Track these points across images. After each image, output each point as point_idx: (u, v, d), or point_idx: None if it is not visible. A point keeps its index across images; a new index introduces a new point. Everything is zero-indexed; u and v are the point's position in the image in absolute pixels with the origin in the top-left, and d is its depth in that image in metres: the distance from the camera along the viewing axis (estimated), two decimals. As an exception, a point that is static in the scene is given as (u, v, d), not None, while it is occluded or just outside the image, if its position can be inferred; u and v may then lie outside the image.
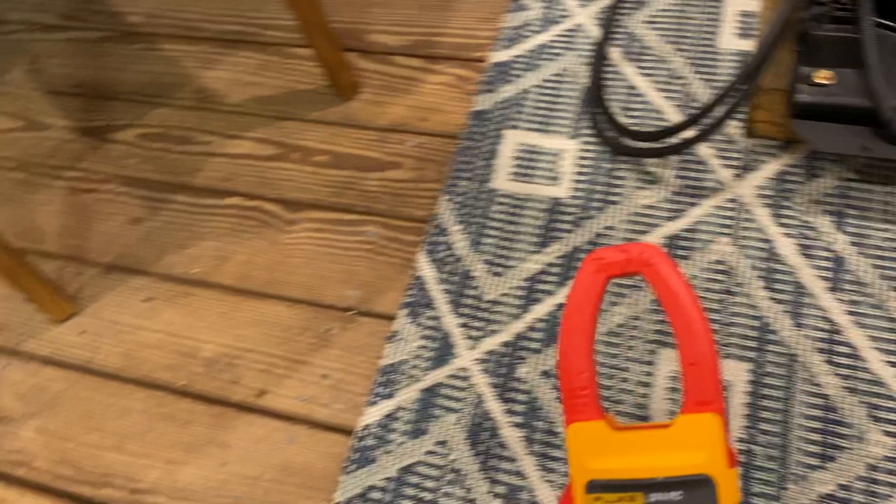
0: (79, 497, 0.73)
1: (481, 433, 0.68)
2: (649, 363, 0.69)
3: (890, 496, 0.59)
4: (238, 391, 0.76)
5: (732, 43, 0.87)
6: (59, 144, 1.00)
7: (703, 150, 0.80)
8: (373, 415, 0.71)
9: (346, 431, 0.71)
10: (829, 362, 0.66)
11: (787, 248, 0.72)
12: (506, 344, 0.73)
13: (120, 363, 0.80)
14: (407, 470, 0.68)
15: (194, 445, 0.73)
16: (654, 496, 0.27)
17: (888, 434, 0.62)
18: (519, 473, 0.66)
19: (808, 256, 0.71)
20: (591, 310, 0.31)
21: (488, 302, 0.76)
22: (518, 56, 0.93)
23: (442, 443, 0.68)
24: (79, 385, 0.80)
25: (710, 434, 0.28)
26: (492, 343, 0.73)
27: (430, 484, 0.66)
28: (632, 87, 0.86)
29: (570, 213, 0.79)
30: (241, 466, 0.72)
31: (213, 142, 0.96)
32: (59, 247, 0.91)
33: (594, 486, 0.31)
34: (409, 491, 0.66)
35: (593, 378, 0.31)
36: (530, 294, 0.75)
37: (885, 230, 0.71)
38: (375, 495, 0.67)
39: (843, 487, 0.60)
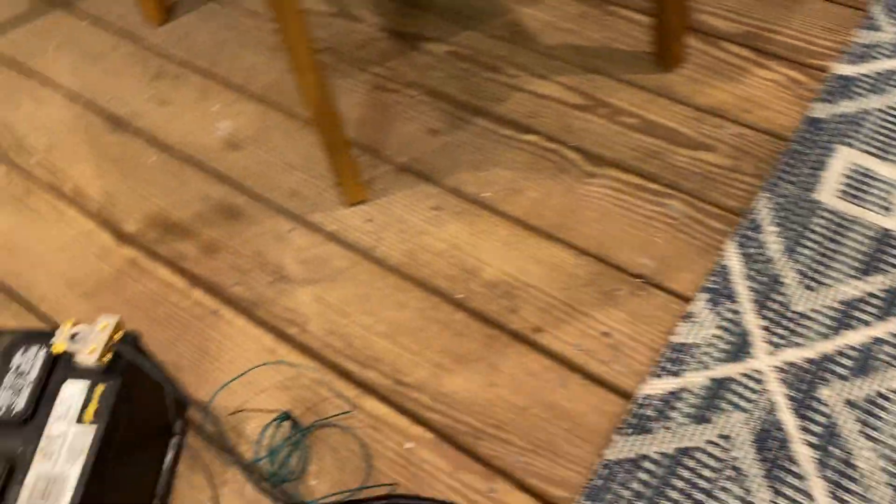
0: (344, 370, 0.75)
1: (770, 441, 0.65)
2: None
3: None
4: (515, 320, 0.76)
5: None
6: (369, 40, 1.03)
7: None
8: (656, 387, 0.69)
9: (623, 394, 0.70)
10: None
11: None
12: (810, 361, 0.69)
13: (401, 259, 0.82)
14: (685, 452, 0.66)
15: (464, 358, 0.74)
16: None
17: None
18: (807, 493, 0.63)
19: None
20: None
21: (796, 313, 0.72)
22: (864, 74, 0.87)
23: (725, 437, 0.66)
24: (359, 268, 0.82)
25: None
26: (794, 355, 0.70)
27: (707, 473, 0.64)
28: None
29: (903, 249, 0.74)
30: (509, 393, 0.72)
31: (520, 77, 0.96)
32: (357, 135, 0.93)
33: None
34: (684, 473, 0.64)
35: None
36: (845, 318, 0.71)
37: None
38: (648, 466, 0.65)
39: None
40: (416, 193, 0.87)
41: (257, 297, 0.81)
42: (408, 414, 0.72)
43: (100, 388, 0.61)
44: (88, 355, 0.59)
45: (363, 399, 0.73)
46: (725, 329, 0.72)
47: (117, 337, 0.61)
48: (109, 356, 0.61)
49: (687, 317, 0.73)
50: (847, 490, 0.62)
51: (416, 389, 0.73)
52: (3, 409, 0.60)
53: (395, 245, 0.83)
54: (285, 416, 0.71)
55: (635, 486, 0.64)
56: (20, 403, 0.60)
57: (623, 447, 0.67)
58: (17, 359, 0.62)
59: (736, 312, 0.73)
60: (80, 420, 0.59)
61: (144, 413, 0.67)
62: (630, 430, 0.67)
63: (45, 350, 0.62)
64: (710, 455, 0.65)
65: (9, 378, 0.62)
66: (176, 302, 0.82)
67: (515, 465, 0.68)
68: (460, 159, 0.89)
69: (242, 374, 0.75)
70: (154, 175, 0.94)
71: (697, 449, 0.66)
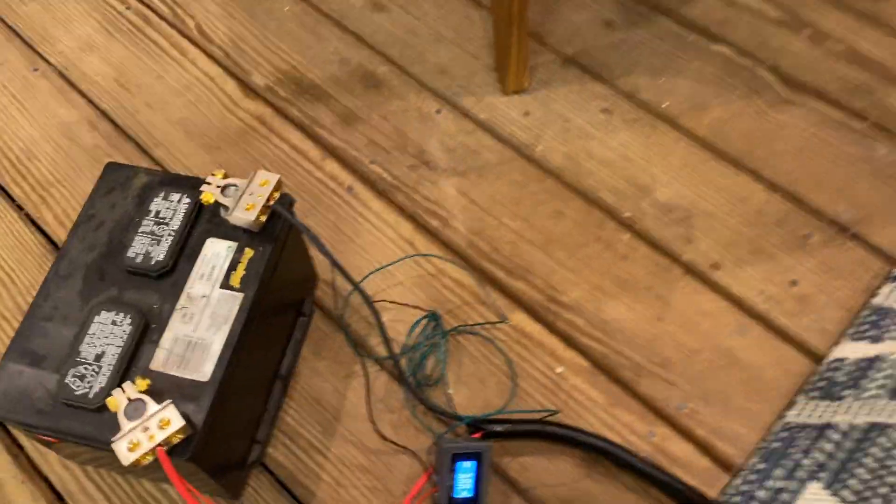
0: (491, 276, 0.67)
1: (979, 432, 0.58)
2: None
3: None
4: (690, 251, 0.67)
5: None
6: None
7: None
8: (851, 351, 0.61)
9: (809, 352, 0.62)
10: None
11: None
12: None
13: (562, 163, 0.73)
14: (878, 428, 0.58)
15: (629, 285, 0.66)
16: None
17: None
18: None
19: None
20: None
21: None
22: None
23: (927, 419, 0.58)
24: (513, 165, 0.73)
25: None
26: None
27: (903, 456, 0.57)
28: None
29: None
30: (678, 331, 0.64)
31: (711, -23, 0.84)
32: (519, 15, 0.82)
33: None
34: (876, 452, 0.57)
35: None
36: None
37: None
38: (833, 436, 0.58)
39: None
40: (582, 91, 0.77)
41: (396, 179, 0.73)
42: (560, 335, 0.64)
43: (249, 252, 0.53)
44: (246, 212, 0.52)
45: (510, 312, 0.65)
46: (937, 299, 0.63)
47: (275, 196, 0.53)
48: (265, 217, 0.53)
49: (893, 278, 0.64)
50: None
51: (571, 310, 0.65)
52: (141, 256, 0.53)
53: (556, 146, 0.74)
54: (433, 315, 0.64)
55: (818, 455, 0.57)
56: (159, 253, 0.53)
57: (808, 411, 0.59)
58: (157, 203, 0.55)
59: (951, 283, 0.64)
60: (225, 285, 0.52)
61: (286, 286, 0.60)
62: (817, 394, 0.60)
63: (190, 198, 0.55)
64: (908, 437, 0.58)
65: (147, 223, 0.54)
66: (309, 171, 0.74)
67: (681, 411, 0.61)
68: (637, 60, 0.78)
69: (393, 264, 0.68)
70: (287, 26, 0.84)
71: (892, 427, 0.58)
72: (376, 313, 0.59)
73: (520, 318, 0.65)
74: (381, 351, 0.63)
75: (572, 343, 0.64)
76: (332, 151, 0.75)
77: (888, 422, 0.58)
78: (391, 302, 0.66)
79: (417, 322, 0.64)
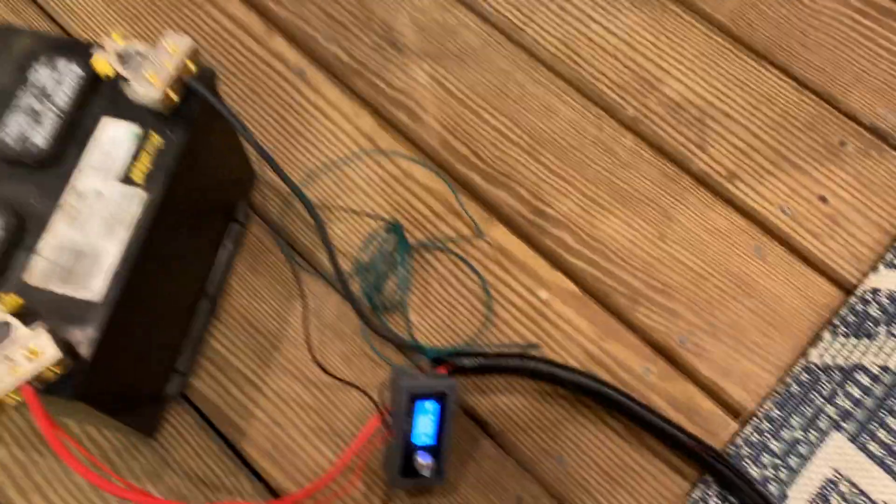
0: (467, 182, 0.56)
1: None
2: None
3: None
4: (702, 160, 0.57)
5: None
6: None
7: None
8: (888, 281, 0.52)
9: (838, 282, 0.53)
10: None
11: None
12: None
13: (557, 50, 0.61)
14: (915, 371, 0.50)
15: (629, 197, 0.56)
16: None
17: None
18: None
19: None
20: None
21: None
22: None
23: (971, 362, 0.50)
24: (498, 51, 0.61)
25: None
26: None
27: (941, 404, 0.49)
28: None
29: None
30: (684, 251, 0.54)
31: None
32: None
33: None
34: (911, 398, 0.49)
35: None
36: None
37: None
38: (863, 380, 0.49)
39: None
40: (583, -35, 0.64)
41: (357, 62, 0.61)
42: (546, 255, 0.54)
43: (156, 140, 0.42)
44: (149, 85, 0.40)
45: (488, 225, 0.55)
46: None
47: (189, 68, 0.42)
48: (177, 94, 0.41)
49: (941, 197, 0.54)
50: None
51: (559, 225, 0.55)
52: (15, 140, 0.41)
53: (550, 30, 0.62)
54: (395, 227, 0.54)
55: (843, 402, 0.49)
56: (39, 136, 0.41)
57: (835, 351, 0.50)
58: (40, 74, 0.43)
59: None
60: (126, 179, 0.41)
61: (211, 185, 0.49)
62: (846, 331, 0.51)
63: (81, 68, 0.43)
64: (949, 382, 0.49)
65: (25, 98, 0.42)
66: (251, 48, 0.61)
67: (683, 346, 0.52)
68: (648, -70, 0.66)
69: (347, 163, 0.56)
70: None
71: (931, 371, 0.50)
72: (318, 220, 0.48)
73: (499, 234, 0.55)
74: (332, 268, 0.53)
75: (559, 264, 0.54)
76: (279, 26, 0.62)
77: (926, 364, 0.50)
78: (344, 209, 0.55)
79: (377, 235, 0.54)
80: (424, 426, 0.45)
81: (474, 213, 0.55)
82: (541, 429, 0.49)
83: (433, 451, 0.45)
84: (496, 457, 0.49)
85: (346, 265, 0.53)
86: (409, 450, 0.46)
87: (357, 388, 0.49)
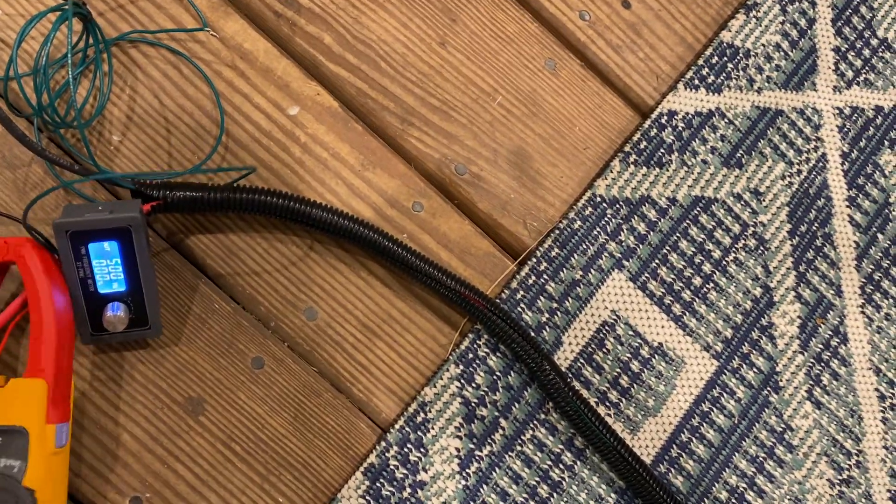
0: (190, -43, 0.42)
1: (808, 209, 0.47)
2: None
3: None
4: (494, -54, 0.46)
5: None
6: None
7: None
8: (685, 103, 0.46)
9: (633, 102, 0.46)
10: None
11: None
12: (878, 111, 0.49)
13: None
14: (705, 204, 0.45)
15: (404, -12, 0.44)
16: (-19, 441, 0.32)
17: None
18: (837, 287, 0.47)
19: None
20: None
21: (880, 40, 0.50)
22: None
23: (756, 193, 0.46)
24: None
25: (33, 397, 0.33)
26: (863, 98, 0.49)
27: (722, 238, 0.45)
28: None
29: None
30: (467, 63, 0.44)
31: None
32: None
33: None
34: (695, 234, 0.45)
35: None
36: (938, 64, 0.51)
37: None
38: (649, 213, 0.44)
39: None
40: None
41: None
42: (298, 59, 0.42)
43: None
44: None
45: (221, 17, 0.42)
46: (790, 40, 0.49)
47: None
48: None
49: (745, 8, 0.48)
50: (885, 294, 0.47)
51: (317, 20, 0.43)
52: None
53: None
54: (80, 10, 0.38)
55: (627, 239, 0.44)
56: None
57: (623, 181, 0.45)
58: None
59: (810, 20, 0.50)
60: None
61: None
62: (637, 159, 0.45)
63: None
64: (732, 213, 0.46)
65: None
66: None
67: (460, 175, 0.44)
68: None
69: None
70: None
71: (718, 202, 0.46)
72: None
73: (235, 28, 0.42)
74: (-4, 67, 0.38)
75: (315, 72, 0.43)
76: None
77: (713, 196, 0.46)
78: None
79: (55, 23, 0.39)
80: (107, 271, 0.35)
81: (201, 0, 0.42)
82: (286, 278, 0.40)
83: (127, 299, 0.35)
84: (229, 313, 0.39)
85: (20, 65, 0.38)
86: (97, 301, 0.35)
87: (12, 217, 0.37)
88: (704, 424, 0.43)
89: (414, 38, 0.44)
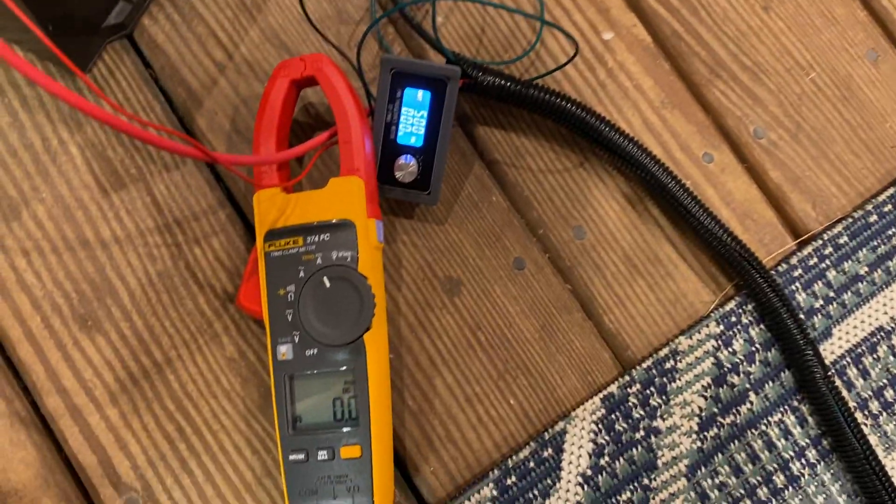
0: None
1: None
2: None
3: None
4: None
5: None
6: None
7: None
8: None
9: None
10: None
11: None
12: None
13: None
14: None
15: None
16: (310, 237, 0.34)
17: None
18: None
19: None
20: (278, 109, 0.35)
21: None
22: None
23: None
24: None
25: (353, 192, 0.34)
26: None
27: None
28: None
29: None
30: (787, 32, 0.42)
31: None
32: None
33: (269, 236, 0.35)
34: None
35: (276, 158, 0.34)
36: None
37: None
38: None
39: None
40: None
41: None
42: (622, -13, 0.43)
43: None
44: None
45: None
46: None
47: None
48: None
49: None
50: None
51: (648, -44, 0.43)
52: None
53: None
54: None
55: (921, 249, 0.40)
56: None
57: (931, 188, 0.41)
58: None
59: None
60: None
61: None
62: None
63: None
64: None
65: None
66: None
67: (757, 139, 0.42)
68: None
69: None
70: None
71: None
72: None
73: (569, -52, 0.43)
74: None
75: (636, 4, 0.42)
76: None
77: None
78: None
79: None
80: (412, 121, 0.35)
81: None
82: (563, 190, 0.40)
83: (419, 156, 0.36)
84: (503, 209, 0.39)
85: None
86: (391, 150, 0.36)
87: (336, 48, 0.38)
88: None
89: (737, -2, 0.43)
